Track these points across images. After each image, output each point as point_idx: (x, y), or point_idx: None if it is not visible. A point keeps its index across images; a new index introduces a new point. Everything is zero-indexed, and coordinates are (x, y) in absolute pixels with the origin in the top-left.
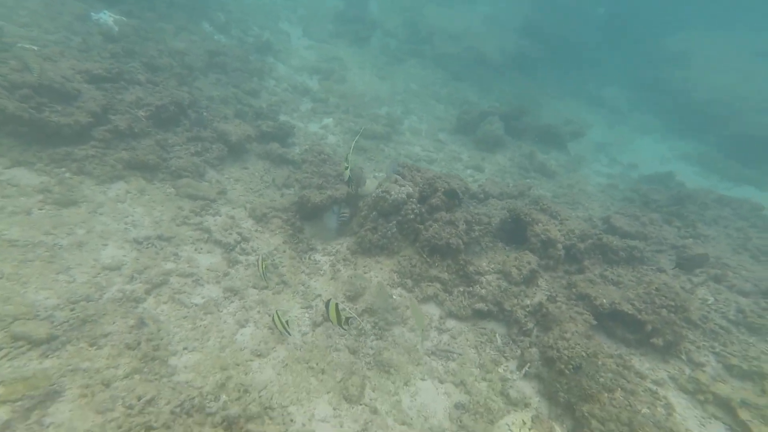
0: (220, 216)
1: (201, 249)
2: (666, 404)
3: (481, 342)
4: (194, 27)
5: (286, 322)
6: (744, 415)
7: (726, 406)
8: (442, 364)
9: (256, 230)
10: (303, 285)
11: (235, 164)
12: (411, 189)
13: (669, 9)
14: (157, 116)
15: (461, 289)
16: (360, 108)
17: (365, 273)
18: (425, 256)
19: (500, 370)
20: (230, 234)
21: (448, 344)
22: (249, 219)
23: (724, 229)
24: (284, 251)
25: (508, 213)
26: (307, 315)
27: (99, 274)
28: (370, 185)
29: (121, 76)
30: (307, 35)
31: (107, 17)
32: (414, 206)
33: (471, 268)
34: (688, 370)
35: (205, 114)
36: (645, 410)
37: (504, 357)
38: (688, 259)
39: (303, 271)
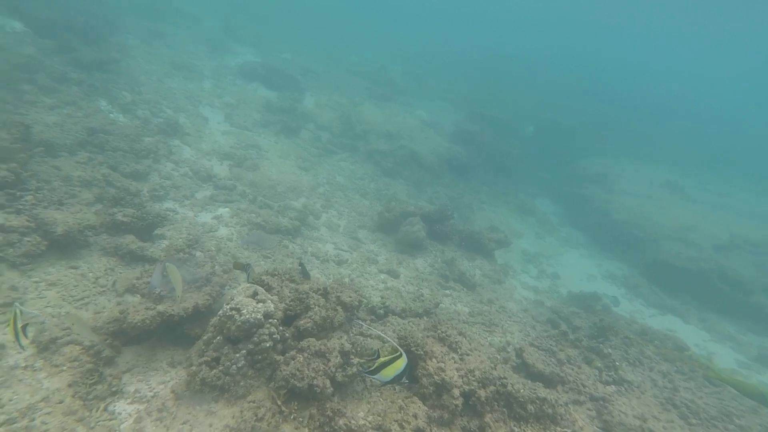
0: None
1: None
2: None
3: None
4: (86, 104)
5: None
6: None
7: None
8: None
9: (26, 367)
10: None
11: (59, 262)
12: (272, 306)
13: (590, 135)
14: None
15: None
16: (270, 198)
17: None
18: (280, 403)
19: None
20: None
21: None
22: (30, 347)
23: (649, 372)
24: (60, 401)
25: (399, 342)
26: None
27: None
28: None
29: None
30: (229, 121)
31: None
32: (273, 330)
33: (341, 422)
34: None
35: (26, 196)
36: None
37: None
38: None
39: None
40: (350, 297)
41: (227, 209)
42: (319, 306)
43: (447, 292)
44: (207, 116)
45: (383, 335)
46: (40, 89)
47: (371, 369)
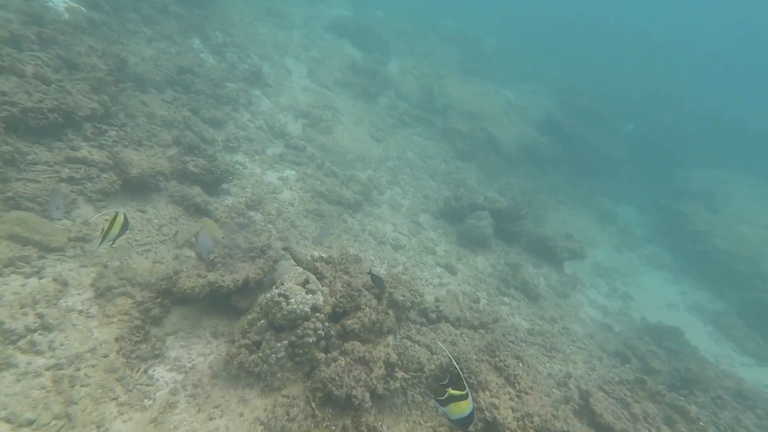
0: (42, 278)
1: None
2: None
3: None
4: (181, 39)
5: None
6: None
7: None
8: None
9: (81, 311)
10: (96, 427)
11: (129, 203)
12: (321, 299)
13: (700, 142)
14: (21, 121)
15: None
16: (338, 165)
17: (210, 419)
18: (314, 406)
19: None
20: (26, 314)
21: None
22: (89, 289)
23: None
24: (105, 355)
25: (447, 365)
26: None
27: None
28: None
29: None
30: (311, 77)
31: (60, 1)
32: (319, 325)
33: None
34: None
35: (111, 132)
36: None
37: None
38: None
39: (115, 397)
40: (403, 296)
41: (294, 172)
42: (370, 307)
43: (506, 299)
44: (291, 68)
45: (439, 344)
46: (143, 19)
47: (441, 399)
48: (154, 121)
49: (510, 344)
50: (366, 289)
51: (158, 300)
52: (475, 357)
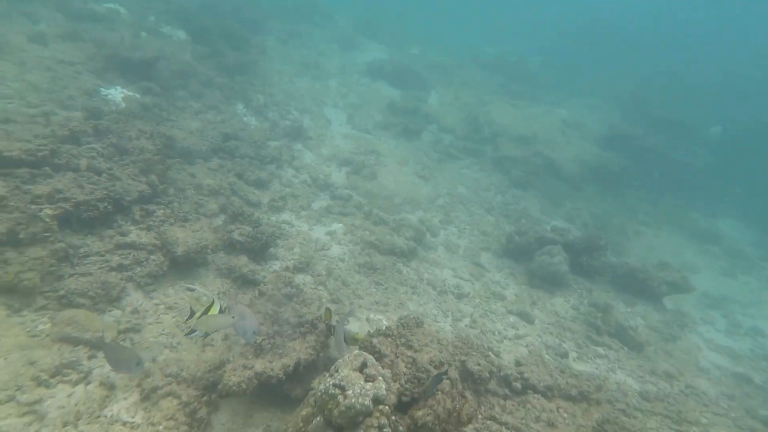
0: (88, 383)
1: None
2: None
3: None
4: (225, 107)
5: None
6: None
7: None
8: None
9: (125, 423)
10: None
11: (177, 283)
12: (384, 387)
13: None
14: (74, 215)
15: None
16: (386, 210)
17: None
18: None
19: None
20: None
21: None
22: (136, 391)
23: None
24: None
25: None
26: None
27: None
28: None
29: (49, 160)
30: (350, 123)
31: (118, 93)
32: (384, 421)
33: None
34: None
35: (158, 211)
36: None
37: None
38: None
39: None
40: (479, 365)
41: (341, 225)
42: (442, 392)
43: (600, 350)
44: (330, 118)
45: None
46: (190, 94)
47: None
48: (201, 191)
49: (623, 418)
50: (435, 367)
51: (205, 398)
52: None
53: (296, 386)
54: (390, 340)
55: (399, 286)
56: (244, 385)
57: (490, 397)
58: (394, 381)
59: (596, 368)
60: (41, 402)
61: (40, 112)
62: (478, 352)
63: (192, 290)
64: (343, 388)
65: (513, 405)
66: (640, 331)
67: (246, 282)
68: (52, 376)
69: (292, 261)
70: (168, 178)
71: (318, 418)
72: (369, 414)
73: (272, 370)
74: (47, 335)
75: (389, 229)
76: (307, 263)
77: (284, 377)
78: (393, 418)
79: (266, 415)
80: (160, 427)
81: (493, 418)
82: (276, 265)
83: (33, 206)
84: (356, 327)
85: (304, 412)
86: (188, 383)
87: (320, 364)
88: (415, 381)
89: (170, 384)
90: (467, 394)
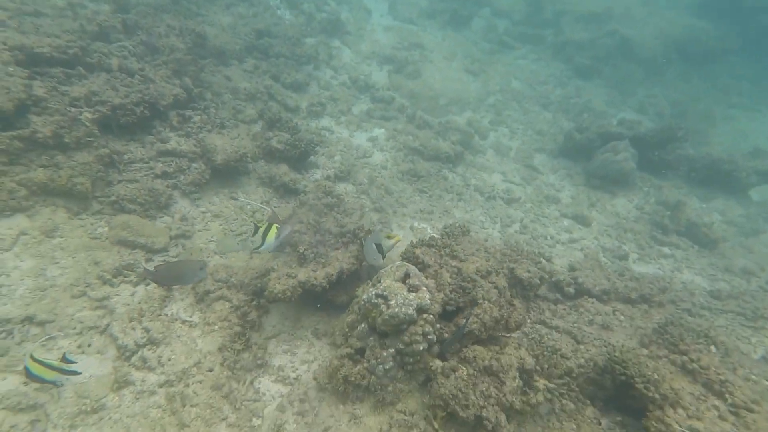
0: (148, 284)
1: (84, 351)
2: None
3: None
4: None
5: None
6: None
7: None
8: None
9: (184, 321)
10: None
11: (222, 190)
12: (428, 297)
13: None
14: (113, 120)
15: None
16: (431, 112)
17: None
18: (437, 427)
19: None
20: (134, 329)
21: None
22: (191, 293)
23: None
24: (210, 369)
25: (608, 367)
26: None
27: None
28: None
29: (81, 59)
30: (392, 13)
31: None
32: (428, 328)
33: None
34: None
35: (195, 117)
36: None
37: None
38: None
39: (224, 417)
40: (528, 272)
41: (383, 130)
42: (489, 301)
43: (666, 250)
44: (370, 7)
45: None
46: None
47: None
48: (239, 95)
49: (687, 318)
50: (481, 277)
51: (254, 302)
52: (647, 353)
53: (341, 293)
54: (434, 250)
55: (444, 193)
56: (288, 293)
57: (540, 302)
58: (439, 291)
59: (659, 269)
60: (109, 298)
61: (67, 4)
62: (528, 258)
63: (236, 200)
64: (386, 298)
65: (564, 309)
66: (715, 228)
67: (288, 191)
68: (115, 276)
69: (333, 170)
70: (203, 81)
71: (362, 325)
72: (413, 322)
73: (315, 278)
74: (106, 238)
75: (434, 133)
76: (348, 171)
77: (328, 285)
78: (438, 325)
79: (314, 318)
80: (216, 326)
81: (542, 323)
82: (317, 174)
83: (72, 109)
84: (400, 235)
85: (349, 319)
86: (237, 289)
87: (363, 273)
88: (461, 291)
89: (221, 288)
90: (516, 302)
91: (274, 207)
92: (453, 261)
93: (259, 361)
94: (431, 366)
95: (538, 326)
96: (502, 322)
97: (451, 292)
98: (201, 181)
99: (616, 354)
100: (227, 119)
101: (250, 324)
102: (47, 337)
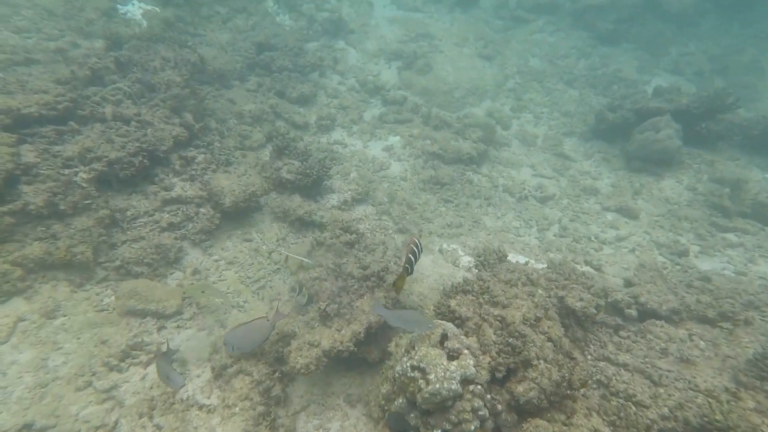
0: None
1: None
2: None
3: None
4: (255, 7)
5: None
6: None
7: None
8: None
9: (201, 406)
10: None
11: (235, 232)
12: (472, 364)
13: None
14: (111, 175)
15: None
16: (447, 107)
17: None
18: None
19: None
20: (144, 427)
21: None
22: (207, 366)
23: None
24: None
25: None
26: None
27: None
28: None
29: (73, 111)
30: (395, 2)
31: (136, 9)
32: (478, 402)
33: None
34: None
35: (198, 157)
36: None
37: None
38: None
39: None
40: (581, 300)
41: (398, 137)
42: (545, 360)
43: (731, 238)
44: (372, 0)
45: None
46: None
47: None
48: (244, 119)
49: None
50: (530, 326)
51: (276, 374)
52: (752, 405)
53: (372, 349)
54: (471, 297)
55: (471, 199)
56: (312, 367)
57: (598, 331)
58: (484, 353)
59: (728, 262)
60: (117, 387)
61: (58, 47)
62: (578, 283)
63: (249, 241)
64: (423, 371)
65: (629, 337)
66: None
67: (304, 225)
68: (122, 360)
69: (350, 192)
70: (206, 109)
71: (400, 400)
72: (459, 398)
73: (341, 343)
74: (114, 308)
75: (453, 133)
76: (365, 192)
77: (355, 348)
78: (488, 396)
79: (345, 381)
80: (236, 408)
81: (607, 359)
82: (333, 200)
83: (66, 171)
84: (429, 261)
85: (383, 390)
86: (257, 358)
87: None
88: (510, 350)
89: (239, 361)
90: (576, 353)
91: (291, 244)
92: (494, 309)
93: None
94: None
95: (602, 364)
96: (564, 384)
97: (498, 353)
98: (211, 228)
99: (717, 417)
100: (232, 153)
101: (274, 400)
102: None
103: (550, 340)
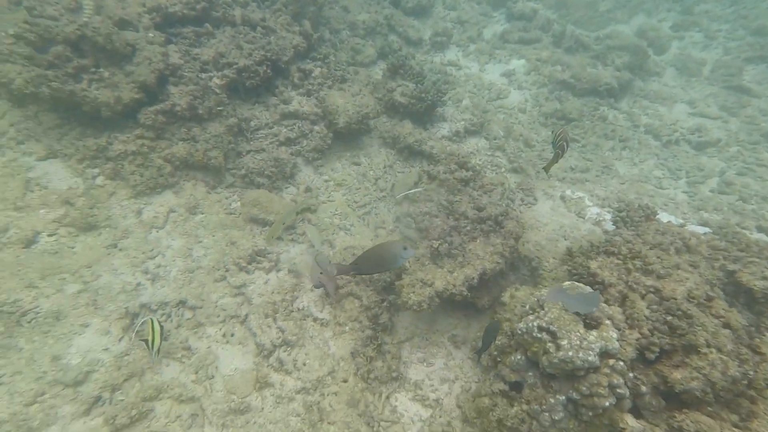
0: (279, 271)
1: (228, 341)
2: None
3: None
4: None
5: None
6: None
7: None
8: None
9: (316, 319)
10: None
11: (344, 154)
12: (615, 338)
13: None
14: (239, 83)
15: None
16: (586, 24)
17: None
18: None
19: None
20: (269, 327)
21: None
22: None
23: None
24: (344, 379)
25: None
26: None
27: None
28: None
29: (209, 13)
30: None
31: None
32: (617, 380)
33: None
34: None
35: (315, 71)
36: None
37: None
38: None
39: None
40: (764, 279)
41: (522, 61)
42: (719, 349)
43: None
44: None
45: None
46: None
47: None
48: (357, 30)
49: None
50: (697, 306)
51: (385, 303)
52: None
53: (482, 295)
54: (616, 260)
55: (603, 140)
56: (425, 305)
57: None
58: (630, 328)
59: None
60: (246, 286)
61: None
62: (760, 255)
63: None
64: (554, 335)
65: None
66: None
67: (413, 154)
68: (249, 262)
69: (463, 122)
70: (322, 18)
71: (518, 356)
72: (595, 371)
73: (454, 286)
74: (240, 214)
75: (590, 58)
76: (480, 123)
77: (468, 294)
78: (631, 374)
79: (451, 321)
80: (347, 327)
81: None
82: (444, 129)
83: (203, 75)
84: (548, 207)
85: (499, 342)
86: (366, 284)
87: (511, 274)
88: (667, 328)
89: (349, 283)
90: (764, 348)
91: (398, 172)
92: (647, 278)
93: (394, 374)
94: (621, 426)
95: None
96: (744, 381)
97: (650, 331)
98: (323, 147)
99: None
100: (346, 69)
101: (381, 327)
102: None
103: (728, 326)
